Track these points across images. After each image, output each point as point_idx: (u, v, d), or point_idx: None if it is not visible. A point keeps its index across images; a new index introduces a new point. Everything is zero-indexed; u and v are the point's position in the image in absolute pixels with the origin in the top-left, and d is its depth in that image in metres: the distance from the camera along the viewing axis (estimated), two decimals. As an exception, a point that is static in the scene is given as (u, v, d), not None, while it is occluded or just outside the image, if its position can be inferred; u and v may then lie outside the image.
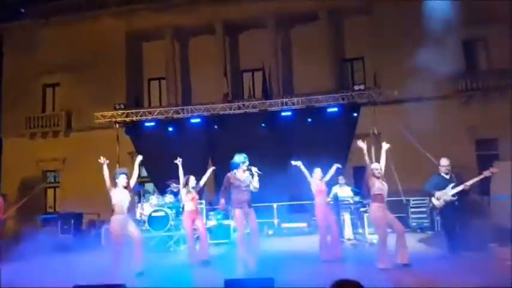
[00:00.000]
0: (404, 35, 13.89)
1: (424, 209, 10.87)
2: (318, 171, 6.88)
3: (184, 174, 7.40)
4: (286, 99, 11.80)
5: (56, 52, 16.49)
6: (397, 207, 10.37)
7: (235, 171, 6.07)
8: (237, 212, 6.04)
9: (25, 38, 17.07)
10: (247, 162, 6.03)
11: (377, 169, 5.85)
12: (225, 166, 7.01)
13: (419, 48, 13.66)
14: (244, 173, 6.03)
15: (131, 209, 6.35)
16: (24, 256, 9.13)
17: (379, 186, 5.78)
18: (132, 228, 6.12)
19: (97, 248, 9.72)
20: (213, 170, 7.90)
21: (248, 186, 6.01)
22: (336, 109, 11.16)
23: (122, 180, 6.11)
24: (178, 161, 7.16)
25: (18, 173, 16.14)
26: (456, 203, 6.72)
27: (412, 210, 10.96)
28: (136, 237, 6.09)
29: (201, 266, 6.56)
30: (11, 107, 17.29)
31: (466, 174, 8.30)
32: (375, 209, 5.79)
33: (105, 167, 6.14)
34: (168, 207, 10.20)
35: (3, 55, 17.89)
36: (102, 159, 6.23)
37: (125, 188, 6.13)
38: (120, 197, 6.05)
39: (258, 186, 6.01)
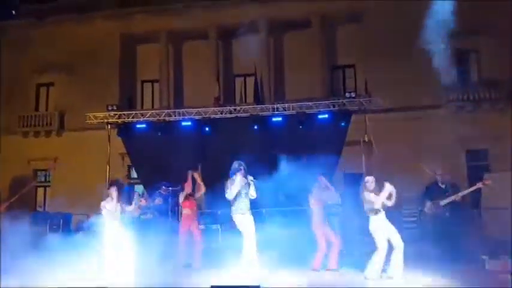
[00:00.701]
0: (396, 43, 14.04)
1: (414, 219, 10.90)
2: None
3: (175, 178, 7.41)
4: (278, 105, 11.88)
5: (51, 52, 16.49)
6: (387, 216, 10.46)
7: (233, 177, 6.06)
8: (238, 217, 6.07)
9: (20, 37, 17.06)
10: (243, 169, 6.02)
11: (368, 182, 5.88)
12: (214, 169, 7.07)
13: (411, 57, 13.86)
14: (242, 180, 6.00)
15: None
16: (11, 254, 9.08)
17: (370, 199, 5.80)
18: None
19: (85, 249, 9.67)
20: (202, 174, 7.90)
21: (246, 193, 6.02)
22: (326, 116, 11.22)
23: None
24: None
25: (9, 171, 16.03)
26: (447, 213, 6.76)
27: (403, 219, 10.99)
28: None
29: (189, 270, 6.57)
30: (4, 106, 17.22)
31: (457, 185, 8.40)
32: (372, 221, 5.81)
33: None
34: (156, 210, 10.19)
35: (-1, 54, 17.84)
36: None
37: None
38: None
39: (254, 194, 6.03)
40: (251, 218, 6.11)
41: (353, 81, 15.49)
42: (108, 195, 5.97)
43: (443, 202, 6.71)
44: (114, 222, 5.91)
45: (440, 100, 14.38)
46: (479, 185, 6.78)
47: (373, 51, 14.36)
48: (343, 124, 11.17)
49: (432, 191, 6.93)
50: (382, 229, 5.75)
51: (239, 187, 5.94)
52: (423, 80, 13.88)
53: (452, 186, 6.93)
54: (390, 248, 5.81)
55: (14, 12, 17.43)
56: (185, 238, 7.17)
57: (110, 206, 5.92)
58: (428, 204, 6.88)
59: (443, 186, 6.89)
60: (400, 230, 10.64)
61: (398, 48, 14.06)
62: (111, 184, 6.13)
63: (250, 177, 6.04)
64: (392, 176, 10.41)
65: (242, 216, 6.04)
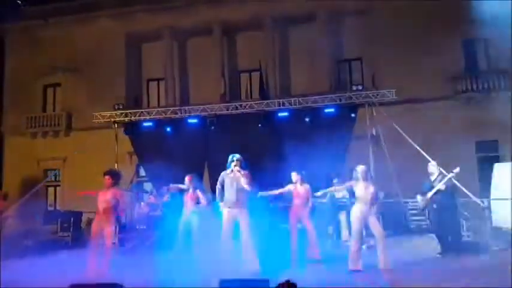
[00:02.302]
0: (403, 35, 13.89)
1: (420, 211, 10.84)
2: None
3: (181, 174, 7.45)
4: (283, 100, 11.80)
5: (57, 53, 16.61)
6: (395, 209, 10.41)
7: (227, 170, 6.09)
8: (224, 212, 6.05)
9: (26, 38, 17.21)
10: (236, 162, 5.98)
11: (360, 171, 5.92)
12: (221, 166, 7.06)
13: (418, 48, 13.70)
14: (235, 173, 6.00)
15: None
16: (24, 253, 9.22)
17: (360, 187, 5.86)
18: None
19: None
20: (208, 170, 7.93)
21: (238, 186, 5.96)
22: (333, 110, 11.14)
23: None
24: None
25: (20, 172, 16.26)
26: (434, 205, 6.81)
27: (411, 212, 10.93)
28: None
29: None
30: (12, 107, 17.45)
31: (466, 176, 8.33)
32: (354, 210, 5.88)
33: None
34: (165, 207, 10.25)
35: (5, 55, 18.01)
36: None
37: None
38: None
39: (247, 186, 5.92)
40: (242, 212, 5.99)
41: (360, 75, 15.34)
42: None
43: (429, 194, 6.78)
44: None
45: (449, 91, 14.21)
46: (451, 175, 6.74)
47: (380, 43, 14.21)
48: (350, 118, 11.09)
49: (424, 184, 7.00)
50: (358, 219, 5.81)
51: (221, 181, 5.99)
52: (431, 71, 13.74)
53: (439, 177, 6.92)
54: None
55: (21, 6, 17.38)
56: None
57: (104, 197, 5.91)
58: (418, 197, 6.99)
59: (431, 178, 6.92)
60: (408, 222, 10.69)
61: (405, 40, 13.91)
62: (105, 173, 6.07)
63: (236, 168, 5.95)
64: (401, 169, 10.50)
65: (228, 209, 5.99)
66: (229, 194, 5.99)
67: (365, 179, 5.90)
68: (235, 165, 5.97)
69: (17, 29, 17.69)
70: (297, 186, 6.97)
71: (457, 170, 6.72)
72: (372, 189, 5.85)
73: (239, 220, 6.02)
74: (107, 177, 6.01)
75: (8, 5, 16.94)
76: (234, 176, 5.98)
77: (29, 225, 11.61)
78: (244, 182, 5.91)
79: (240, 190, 5.97)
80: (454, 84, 14.33)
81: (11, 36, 17.84)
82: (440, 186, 6.72)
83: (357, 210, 5.86)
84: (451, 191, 6.86)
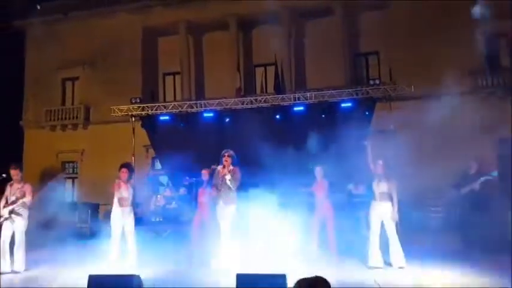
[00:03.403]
0: (422, 28, 13.61)
1: (440, 208, 10.68)
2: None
3: (197, 168, 7.48)
4: (299, 94, 11.72)
5: (75, 47, 16.86)
6: (413, 205, 10.27)
7: (219, 166, 6.04)
8: (217, 207, 6.04)
9: (46, 33, 17.45)
10: (226, 157, 5.92)
11: (378, 165, 5.84)
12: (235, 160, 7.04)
13: (437, 42, 13.40)
14: (224, 169, 5.92)
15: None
16: (44, 244, 9.44)
17: (377, 183, 5.79)
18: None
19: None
20: None
21: (225, 182, 5.88)
22: (350, 104, 11.00)
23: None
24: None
25: (39, 164, 16.60)
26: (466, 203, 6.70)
27: (430, 209, 10.78)
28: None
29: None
30: (32, 100, 17.81)
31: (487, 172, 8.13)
32: (371, 207, 5.81)
33: None
34: (181, 200, 10.35)
35: (26, 49, 18.36)
36: None
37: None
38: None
39: (230, 184, 5.83)
40: (228, 209, 5.92)
41: (377, 69, 15.12)
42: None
43: (463, 190, 6.66)
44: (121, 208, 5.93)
45: (469, 86, 13.89)
46: (487, 177, 6.68)
47: (398, 37, 13.98)
48: (367, 113, 10.94)
49: (459, 178, 6.87)
50: (375, 216, 5.78)
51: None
52: (450, 66, 13.42)
53: (477, 175, 6.79)
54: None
55: (38, 7, 17.75)
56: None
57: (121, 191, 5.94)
58: (452, 191, 6.88)
59: (471, 174, 6.77)
60: (426, 219, 10.53)
61: (423, 33, 13.63)
62: (122, 166, 6.10)
63: (219, 166, 5.90)
64: (419, 165, 10.33)
65: (216, 206, 6.01)
66: (217, 189, 5.97)
67: (383, 175, 5.79)
68: (225, 161, 5.91)
69: (37, 24, 17.96)
70: (320, 181, 6.89)
71: (495, 173, 6.66)
72: (390, 185, 5.76)
73: (225, 216, 5.93)
74: (123, 169, 6.05)
75: (29, 0, 17.26)
76: (222, 172, 5.92)
77: (48, 216, 11.85)
78: (228, 179, 5.83)
79: (226, 187, 5.89)
80: (474, 79, 13.99)
81: (31, 31, 18.15)
82: (475, 185, 6.67)
83: (375, 208, 5.79)
84: (484, 191, 6.76)
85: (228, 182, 5.82)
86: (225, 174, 5.86)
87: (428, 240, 8.23)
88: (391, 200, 5.77)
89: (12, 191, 6.33)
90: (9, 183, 6.43)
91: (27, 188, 6.41)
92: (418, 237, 8.56)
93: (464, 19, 13.45)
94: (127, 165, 6.16)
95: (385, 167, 5.92)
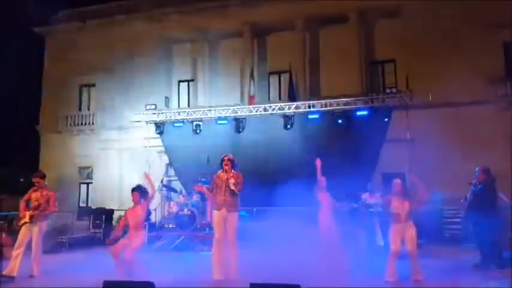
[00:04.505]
0: (439, 35, 13.39)
1: (458, 219, 10.41)
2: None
3: (211, 174, 7.38)
4: (313, 102, 11.63)
5: (92, 54, 17.11)
6: (430, 216, 10.02)
7: (219, 171, 5.80)
8: (214, 214, 5.80)
9: (64, 40, 17.84)
10: (226, 161, 5.69)
11: (396, 185, 5.64)
12: (248, 167, 6.98)
13: (456, 50, 13.17)
14: (225, 173, 5.69)
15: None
16: (59, 248, 9.51)
17: (395, 204, 5.58)
18: None
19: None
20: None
21: (226, 187, 5.64)
22: (365, 112, 10.86)
23: None
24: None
25: (55, 168, 16.80)
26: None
27: (446, 220, 10.53)
28: None
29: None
30: (49, 106, 18.13)
31: (506, 185, 7.90)
32: (392, 230, 5.61)
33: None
34: (194, 207, 10.32)
35: (45, 56, 18.75)
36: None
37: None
38: None
39: (234, 188, 5.56)
40: (230, 214, 5.66)
41: (393, 77, 14.89)
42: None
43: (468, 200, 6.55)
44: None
45: (488, 95, 13.57)
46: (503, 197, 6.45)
47: (415, 44, 13.79)
48: (383, 121, 10.79)
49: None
50: (396, 235, 5.56)
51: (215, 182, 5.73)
52: (469, 75, 13.17)
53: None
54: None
55: (59, 15, 18.15)
56: None
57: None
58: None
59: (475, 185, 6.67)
60: (442, 230, 10.25)
61: (441, 41, 13.43)
62: (132, 190, 5.96)
63: (226, 169, 5.64)
64: (436, 175, 10.09)
65: (217, 212, 5.73)
66: (218, 195, 5.70)
67: (401, 194, 5.62)
68: (225, 165, 5.69)
69: (56, 31, 18.40)
70: (324, 193, 6.74)
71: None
72: (407, 205, 5.55)
73: (226, 223, 5.68)
74: (134, 193, 5.96)
75: (49, 8, 17.66)
76: (223, 177, 5.70)
77: (63, 221, 11.96)
78: (231, 183, 5.60)
79: (228, 192, 5.66)
80: (493, 88, 13.68)
81: (51, 38, 18.56)
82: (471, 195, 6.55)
83: (394, 230, 5.58)
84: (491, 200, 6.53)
85: (232, 186, 5.60)
86: (228, 179, 5.64)
87: (446, 253, 8.03)
88: (411, 218, 5.57)
89: (35, 197, 6.38)
90: (33, 189, 6.48)
91: (52, 197, 6.45)
92: (435, 249, 8.37)
93: (483, 26, 13.24)
94: (137, 189, 6.02)
95: (403, 186, 5.70)
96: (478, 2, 13.10)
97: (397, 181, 5.71)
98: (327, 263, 5.97)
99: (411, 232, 5.53)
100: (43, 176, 6.56)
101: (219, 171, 5.79)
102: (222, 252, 5.67)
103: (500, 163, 10.81)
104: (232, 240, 5.68)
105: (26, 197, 6.43)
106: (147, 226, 8.71)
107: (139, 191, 5.92)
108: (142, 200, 5.91)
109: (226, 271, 5.65)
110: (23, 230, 6.30)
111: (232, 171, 5.70)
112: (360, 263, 6.29)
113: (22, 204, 6.39)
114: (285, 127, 11.52)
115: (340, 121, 10.99)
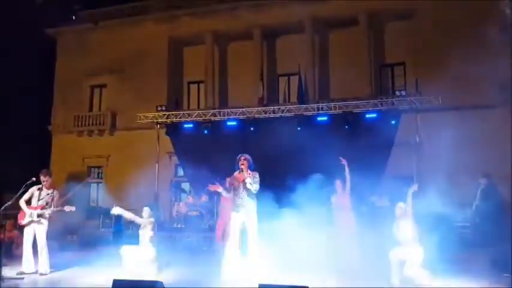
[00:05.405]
0: (449, 38, 13.31)
1: (467, 224, 10.32)
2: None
3: (219, 176, 7.47)
4: (322, 104, 11.67)
5: (104, 55, 17.36)
6: (438, 221, 9.96)
7: (236, 172, 5.86)
8: (232, 215, 5.84)
9: (76, 41, 18.12)
10: (242, 161, 5.73)
11: (400, 208, 5.66)
12: (258, 169, 7.00)
13: (465, 54, 13.07)
14: (242, 173, 5.73)
15: None
16: (69, 248, 9.64)
17: (400, 228, 5.59)
18: None
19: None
20: None
21: (244, 188, 5.69)
22: (374, 115, 10.86)
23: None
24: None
25: (66, 168, 17.04)
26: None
27: (457, 224, 10.43)
28: None
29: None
30: (61, 106, 18.40)
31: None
32: (394, 253, 5.60)
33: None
34: (203, 208, 10.41)
35: (57, 57, 19.03)
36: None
37: None
38: None
39: (251, 186, 5.61)
40: (248, 216, 5.70)
41: (402, 80, 14.87)
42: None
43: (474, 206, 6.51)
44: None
45: (498, 99, 13.45)
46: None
47: (425, 47, 13.74)
48: (392, 124, 10.76)
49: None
50: (397, 258, 5.58)
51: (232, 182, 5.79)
52: (478, 78, 13.07)
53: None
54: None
55: (73, 17, 18.43)
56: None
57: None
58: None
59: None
60: (453, 235, 10.18)
61: (451, 44, 13.34)
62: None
63: (242, 169, 5.70)
64: (445, 180, 10.03)
65: (235, 213, 5.79)
66: (236, 197, 5.75)
67: (405, 217, 5.62)
68: (242, 164, 5.72)
69: (68, 32, 18.68)
70: (340, 195, 6.75)
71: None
72: (412, 229, 5.53)
73: (246, 225, 5.73)
74: (145, 208, 6.51)
75: (61, 10, 17.91)
76: (240, 178, 5.73)
77: (73, 220, 12.11)
78: (248, 182, 5.61)
79: (246, 192, 5.70)
80: (503, 92, 13.54)
81: (62, 39, 18.84)
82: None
83: (397, 253, 5.56)
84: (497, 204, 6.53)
85: (249, 186, 5.64)
86: (245, 178, 5.68)
87: (454, 257, 7.98)
88: (415, 240, 5.53)
89: (41, 195, 6.50)
90: (38, 187, 6.59)
91: (56, 195, 6.59)
92: (443, 253, 8.32)
93: (495, 28, 13.13)
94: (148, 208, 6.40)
95: (405, 210, 5.65)
96: (489, 4, 13.02)
97: (400, 205, 5.73)
98: (336, 264, 6.03)
99: (414, 250, 5.51)
100: (48, 174, 6.67)
101: (235, 173, 5.82)
102: (233, 253, 5.71)
103: (508, 167, 10.74)
104: (252, 242, 5.69)
105: (26, 195, 6.53)
106: (155, 226, 8.85)
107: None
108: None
109: (235, 271, 5.70)
110: (27, 228, 6.42)
111: (249, 171, 5.71)
112: (368, 263, 6.33)
113: (23, 203, 6.49)
114: (294, 129, 11.55)
115: (348, 124, 10.98)
